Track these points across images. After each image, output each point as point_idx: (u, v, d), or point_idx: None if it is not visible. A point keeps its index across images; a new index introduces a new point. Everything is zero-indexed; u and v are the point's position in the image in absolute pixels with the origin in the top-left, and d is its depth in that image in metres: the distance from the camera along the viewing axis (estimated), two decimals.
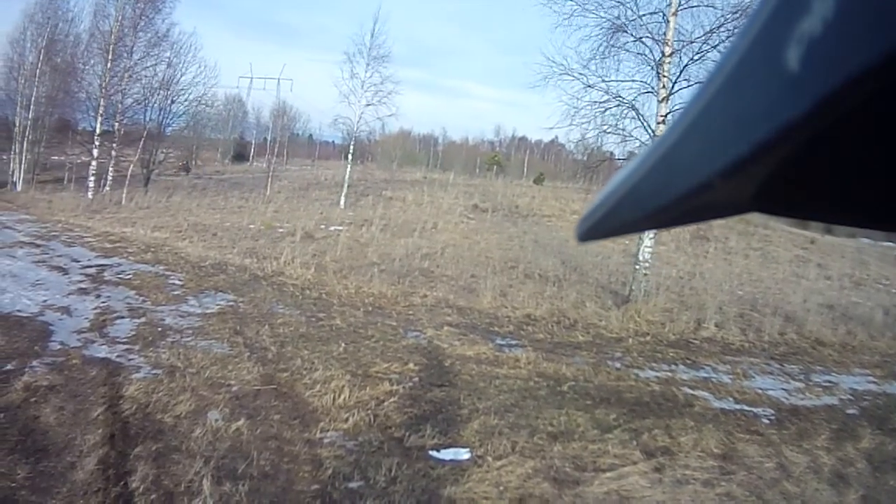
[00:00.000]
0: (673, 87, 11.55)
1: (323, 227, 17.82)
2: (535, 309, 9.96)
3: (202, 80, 31.41)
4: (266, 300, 8.90)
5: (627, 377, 7.08)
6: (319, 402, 5.34)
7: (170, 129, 29.43)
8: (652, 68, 11.89)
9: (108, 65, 23.24)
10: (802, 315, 11.22)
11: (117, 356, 6.01)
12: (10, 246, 11.18)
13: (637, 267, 11.43)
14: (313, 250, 13.54)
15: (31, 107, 25.42)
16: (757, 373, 7.85)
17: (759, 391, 7.03)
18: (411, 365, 6.60)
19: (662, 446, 5.14)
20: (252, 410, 5.06)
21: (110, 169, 24.21)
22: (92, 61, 24.34)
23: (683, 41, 11.60)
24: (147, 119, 25.41)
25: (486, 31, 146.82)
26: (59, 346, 6.08)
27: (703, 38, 11.37)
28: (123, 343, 6.44)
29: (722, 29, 11.03)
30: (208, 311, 8.03)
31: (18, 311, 7.08)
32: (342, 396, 5.45)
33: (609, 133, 12.52)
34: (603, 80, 12.22)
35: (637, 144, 12.22)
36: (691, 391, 6.78)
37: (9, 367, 5.31)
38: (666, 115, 11.40)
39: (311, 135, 68.72)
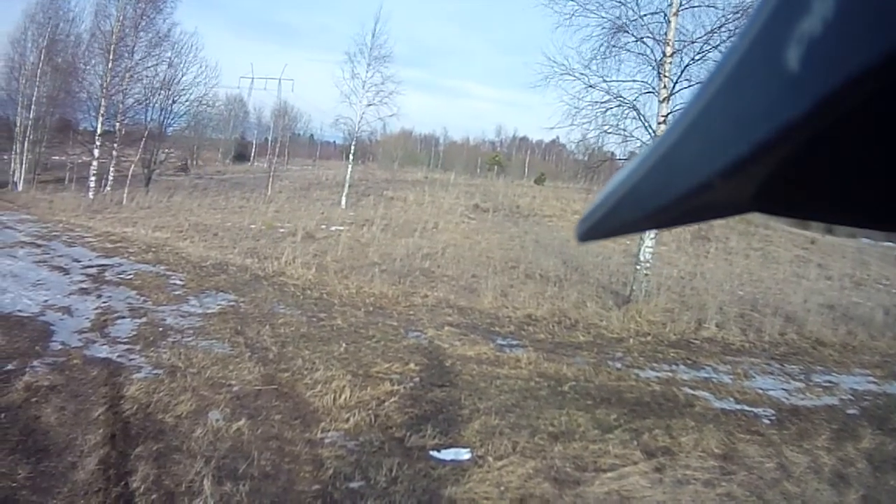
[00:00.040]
0: (674, 87, 11.55)
1: (324, 227, 17.82)
2: (536, 309, 9.96)
3: (203, 80, 31.46)
4: (267, 300, 8.90)
5: (628, 377, 7.08)
6: (320, 402, 5.34)
7: (171, 129, 29.53)
8: (653, 68, 11.90)
9: (110, 65, 23.25)
10: (803, 315, 11.21)
11: (118, 356, 6.01)
12: (11, 246, 11.18)
13: (638, 267, 11.43)
14: (314, 250, 13.54)
15: (32, 107, 25.43)
16: (757, 373, 7.85)
17: (760, 391, 7.03)
18: (412, 365, 6.60)
19: (663, 446, 5.14)
20: (253, 410, 5.06)
21: (111, 169, 24.21)
22: (93, 61, 24.38)
23: (684, 41, 11.61)
24: (148, 119, 25.46)
25: (486, 31, 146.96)
26: (59, 346, 6.08)
27: (704, 38, 11.38)
28: (124, 343, 6.44)
29: (723, 29, 11.04)
30: (209, 311, 8.03)
31: (19, 311, 7.08)
32: (343, 396, 5.45)
33: (610, 133, 12.54)
34: (604, 80, 12.24)
35: (638, 144, 12.22)
36: (692, 391, 6.78)
37: (10, 366, 5.31)
38: (667, 116, 11.39)
39: (312, 135, 68.81)
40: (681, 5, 11.36)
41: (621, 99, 12.08)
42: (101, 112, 23.28)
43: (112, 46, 23.16)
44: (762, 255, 20.51)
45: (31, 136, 25.71)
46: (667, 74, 11.51)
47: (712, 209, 0.30)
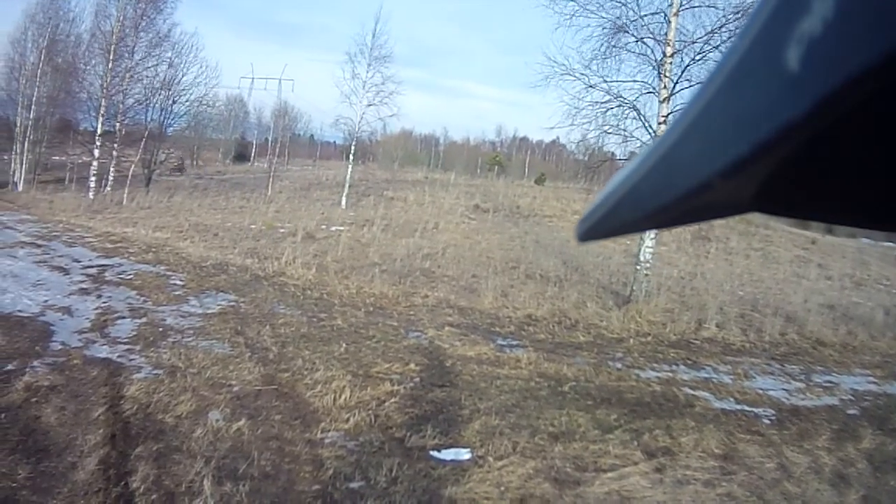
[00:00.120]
0: (674, 87, 11.55)
1: (324, 227, 17.82)
2: (537, 309, 9.96)
3: (203, 80, 31.45)
4: (267, 300, 8.91)
5: (628, 377, 7.08)
6: (320, 403, 5.34)
7: (171, 129, 29.51)
8: (653, 68, 11.90)
9: (110, 65, 23.25)
10: (803, 315, 11.21)
11: (118, 356, 6.01)
12: (11, 246, 11.18)
13: (638, 267, 11.43)
14: (314, 250, 13.54)
15: (33, 107, 25.44)
16: (758, 373, 7.85)
17: (760, 391, 7.03)
18: (412, 365, 6.60)
19: (663, 446, 5.14)
20: (253, 410, 5.07)
21: (111, 169, 24.21)
22: (93, 61, 24.38)
23: (685, 41, 11.61)
24: (148, 119, 25.45)
25: (486, 31, 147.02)
26: (60, 347, 6.08)
27: (704, 38, 11.38)
28: (124, 343, 6.44)
29: (723, 29, 11.04)
30: (209, 311, 8.03)
31: (19, 311, 7.08)
32: (343, 397, 5.45)
33: (610, 133, 12.54)
34: (604, 81, 12.24)
35: (638, 145, 12.21)
36: (692, 391, 6.78)
37: (10, 367, 5.31)
38: (667, 116, 11.39)
39: (312, 135, 68.83)
40: (681, 5, 11.36)
41: (621, 99, 12.10)
42: (102, 112, 23.29)
43: (112, 46, 23.16)
44: (762, 255, 20.51)
45: (31, 137, 25.72)
46: (667, 75, 11.51)
47: (712, 209, 0.30)
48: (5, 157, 26.39)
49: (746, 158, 0.24)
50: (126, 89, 23.89)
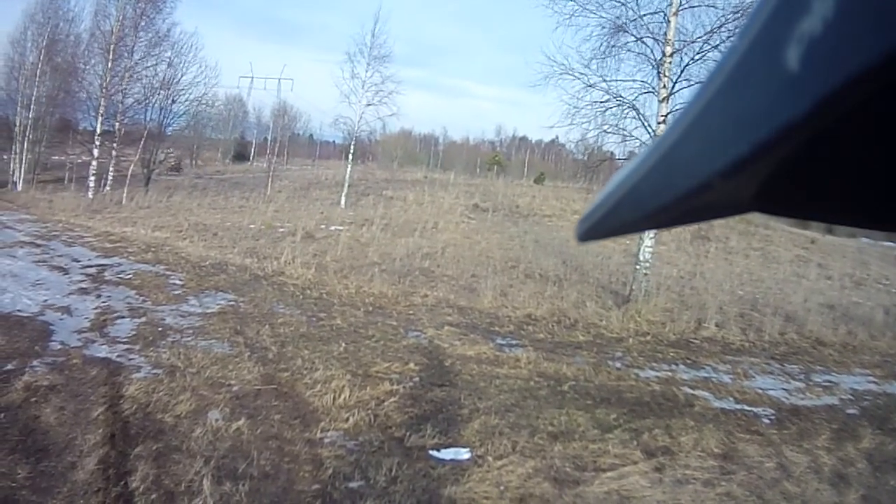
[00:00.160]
0: (674, 86, 11.55)
1: (323, 226, 17.82)
2: (536, 309, 9.96)
3: (203, 79, 31.21)
4: (266, 300, 8.90)
5: (628, 377, 7.08)
6: (320, 402, 5.34)
7: (170, 128, 29.46)
8: (653, 68, 11.90)
9: (109, 64, 23.23)
10: (803, 315, 11.21)
11: (118, 356, 6.01)
12: (11, 246, 11.18)
13: (637, 267, 11.43)
14: (314, 250, 13.54)
15: (32, 106, 25.42)
16: (757, 373, 7.85)
17: (760, 391, 7.03)
18: (412, 365, 6.60)
19: (663, 446, 5.14)
20: (252, 410, 5.07)
21: (111, 169, 24.19)
22: (93, 61, 24.35)
23: (684, 41, 11.61)
24: (148, 119, 25.39)
25: (487, 31, 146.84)
26: (59, 346, 6.08)
27: (704, 37, 11.38)
28: (124, 343, 6.44)
29: (723, 29, 11.04)
30: (209, 310, 8.03)
31: (19, 310, 7.08)
32: (343, 396, 5.45)
33: (609, 133, 12.54)
34: (604, 80, 12.24)
35: (637, 144, 12.22)
36: (692, 391, 6.78)
37: (9, 366, 5.31)
38: (667, 115, 11.39)
39: (311, 135, 68.76)
40: (680, 5, 11.36)
41: (621, 98, 12.09)
42: (101, 112, 23.27)
43: (112, 46, 23.15)
44: (762, 254, 20.51)
45: (30, 136, 25.70)
46: (666, 74, 11.50)
47: (712, 209, 0.30)
48: (5, 157, 26.38)
49: (746, 158, 0.24)
50: (125, 89, 23.88)
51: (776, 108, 0.23)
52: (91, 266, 10.12)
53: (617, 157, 13.70)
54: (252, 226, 17.16)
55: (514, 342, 8.10)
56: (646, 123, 11.88)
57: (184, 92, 26.58)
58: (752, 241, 22.27)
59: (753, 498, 4.42)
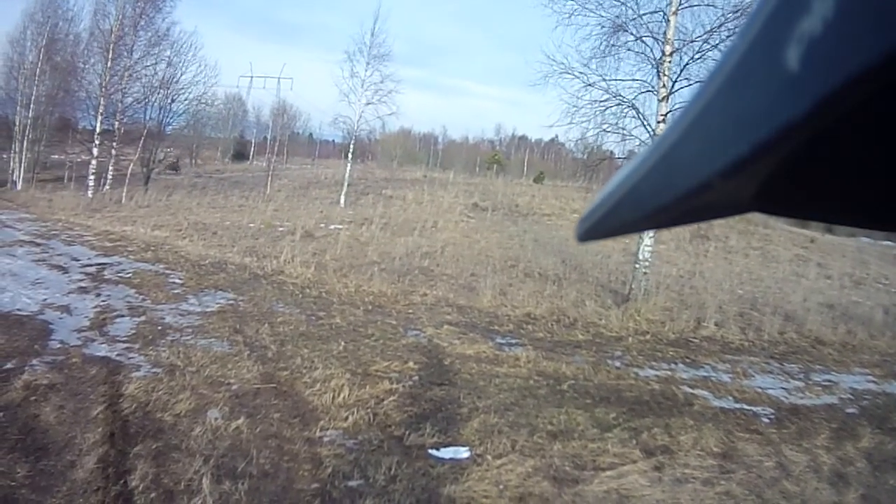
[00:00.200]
0: (673, 86, 11.54)
1: (323, 225, 17.82)
2: (535, 308, 9.97)
3: (202, 78, 31.31)
4: (266, 299, 8.90)
5: (627, 376, 7.08)
6: (319, 401, 5.34)
7: (170, 127, 29.44)
8: (652, 67, 11.89)
9: (109, 64, 23.23)
10: (802, 314, 11.22)
11: (117, 355, 6.01)
12: (11, 244, 11.18)
13: (637, 266, 11.43)
14: (313, 249, 13.55)
15: (32, 105, 25.43)
16: (757, 372, 7.85)
17: (759, 390, 7.03)
18: (411, 363, 6.60)
19: (662, 445, 5.14)
20: (252, 409, 5.07)
21: (110, 168, 24.20)
22: (92, 60, 24.39)
23: (684, 40, 11.60)
24: (147, 118, 25.41)
25: (486, 30, 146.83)
26: (59, 345, 6.08)
27: (703, 37, 11.38)
28: (123, 341, 6.44)
29: (722, 28, 11.04)
30: (208, 309, 8.03)
31: (18, 309, 7.08)
32: (342, 395, 5.45)
33: (609, 132, 12.53)
34: (603, 79, 12.23)
35: (637, 143, 12.23)
36: (691, 390, 6.78)
37: (9, 365, 5.31)
38: (666, 114, 11.39)
39: (311, 133, 68.75)
40: (680, 4, 11.36)
41: (620, 98, 12.09)
42: (100, 111, 23.29)
43: (111, 45, 23.16)
44: (761, 253, 20.51)
45: (30, 135, 25.71)
46: (666, 73, 11.50)
47: (712, 209, 0.30)
48: (4, 156, 26.40)
49: (746, 158, 0.24)
50: (125, 88, 23.89)
51: (776, 108, 0.23)
52: (91, 265, 10.12)
53: (616, 156, 13.68)
54: (251, 225, 17.16)
55: (513, 341, 8.10)
56: (645, 122, 11.89)
57: (183, 91, 26.65)
58: (752, 240, 22.27)
59: (753, 497, 4.43)
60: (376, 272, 11.48)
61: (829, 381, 7.82)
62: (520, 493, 4.15)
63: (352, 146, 25.08)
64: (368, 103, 23.87)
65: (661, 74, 11.58)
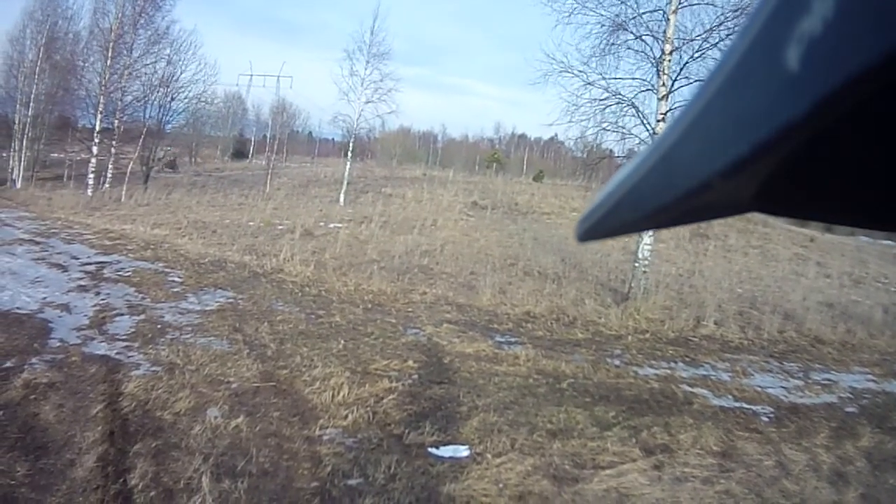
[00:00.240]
0: (673, 84, 11.55)
1: (322, 224, 17.81)
2: (535, 306, 9.97)
3: (202, 77, 31.16)
4: (265, 297, 8.90)
5: (627, 375, 7.09)
6: (319, 400, 5.34)
7: (169, 126, 29.42)
8: (652, 65, 11.89)
9: (108, 62, 23.21)
10: (802, 313, 11.22)
11: (117, 353, 6.01)
12: (10, 243, 11.18)
13: (636, 264, 11.43)
14: (313, 247, 13.55)
15: (31, 104, 25.42)
16: (756, 371, 7.85)
17: (759, 389, 7.04)
18: (410, 362, 6.60)
19: (661, 444, 5.15)
20: (251, 407, 5.07)
21: (110, 166, 24.18)
22: (92, 59, 24.36)
23: (684, 39, 11.60)
24: (147, 116, 25.37)
25: (486, 29, 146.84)
26: (58, 344, 6.08)
27: (703, 35, 11.37)
28: (123, 340, 6.44)
29: (722, 27, 11.03)
30: (208, 308, 8.03)
31: (18, 308, 7.08)
32: (341, 393, 5.45)
33: (608, 130, 12.53)
34: (603, 78, 12.22)
35: (636, 142, 12.22)
36: (690, 389, 6.78)
37: (8, 364, 5.31)
38: (666, 113, 11.39)
39: (310, 132, 68.75)
40: (680, 3, 11.35)
41: (620, 96, 12.09)
42: (100, 109, 23.26)
43: (111, 44, 23.14)
44: (761, 252, 20.51)
45: (29, 134, 25.69)
46: (665, 72, 11.50)
47: (712, 209, 0.30)
48: (4, 155, 26.37)
49: (746, 158, 0.24)
50: (124, 86, 23.86)
51: (776, 108, 0.23)
52: (90, 263, 10.12)
53: (616, 155, 13.67)
54: (251, 223, 17.15)
55: (512, 340, 8.10)
56: (645, 121, 11.89)
57: (183, 89, 26.61)
58: (751, 239, 22.27)
59: (752, 496, 4.43)
60: (376, 270, 11.48)
61: (829, 379, 7.83)
62: (519, 491, 4.15)
63: (351, 144, 25.08)
64: (368, 102, 23.91)
65: (660, 73, 11.58)
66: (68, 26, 26.48)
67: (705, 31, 11.34)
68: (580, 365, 7.17)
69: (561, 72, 12.37)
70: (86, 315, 7.18)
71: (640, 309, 10.19)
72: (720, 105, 0.26)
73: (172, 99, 26.49)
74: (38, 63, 25.39)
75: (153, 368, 5.67)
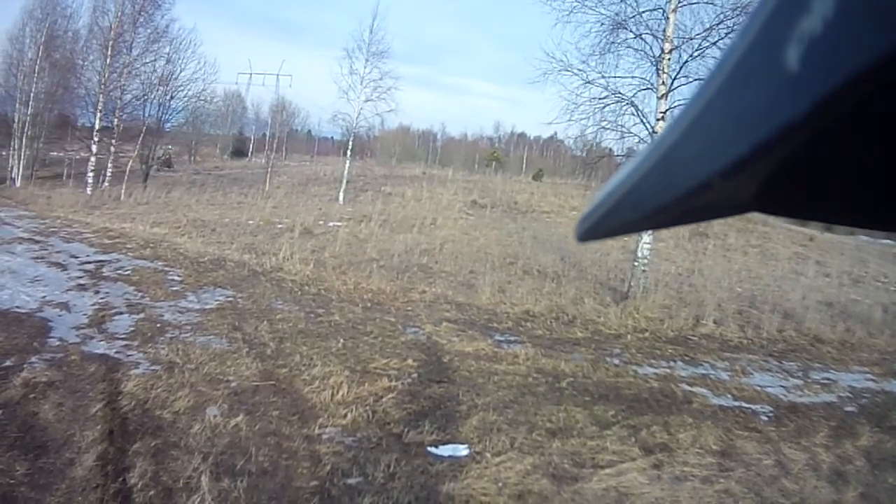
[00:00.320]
0: (672, 83, 11.54)
1: (322, 222, 17.81)
2: (534, 305, 9.97)
3: (201, 76, 31.05)
4: (265, 296, 8.90)
5: (626, 374, 7.09)
6: (318, 398, 5.34)
7: (169, 124, 29.41)
8: (652, 64, 11.88)
9: (108, 61, 23.19)
10: (801, 312, 11.23)
11: (116, 352, 6.01)
12: (9, 242, 11.17)
13: (636, 263, 11.43)
14: (312, 246, 13.54)
15: (31, 103, 25.39)
16: (755, 370, 7.86)
17: (758, 388, 7.04)
18: (410, 361, 6.60)
19: (661, 443, 5.15)
20: (251, 406, 5.07)
21: (109, 165, 24.17)
22: (91, 57, 24.35)
23: (683, 38, 11.59)
24: (146, 115, 25.34)
25: (486, 29, 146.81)
26: (57, 343, 6.08)
27: (702, 34, 11.36)
28: (122, 339, 6.44)
29: (721, 25, 11.02)
30: (207, 306, 8.03)
31: (17, 307, 7.08)
32: (341, 392, 5.45)
33: (608, 129, 12.52)
34: (602, 76, 12.21)
35: (636, 141, 12.21)
36: (690, 388, 6.79)
37: (8, 363, 5.31)
38: (665, 112, 11.38)
39: (310, 130, 68.80)
40: (679, 2, 11.35)
41: (619, 95, 12.08)
42: (100, 108, 23.24)
43: (110, 42, 23.12)
44: (760, 251, 20.51)
45: (29, 133, 25.66)
46: (665, 71, 11.49)
47: (712, 209, 0.30)
48: (3, 154, 26.32)
49: (746, 158, 0.24)
50: (124, 85, 23.84)
51: (776, 108, 0.23)
52: (89, 262, 10.11)
53: (615, 154, 13.66)
54: (250, 222, 17.15)
55: (512, 338, 8.10)
56: (644, 120, 11.88)
57: (182, 88, 26.60)
58: (751, 238, 22.27)
59: (751, 495, 4.43)
60: (375, 269, 11.47)
61: (828, 379, 7.83)
62: (519, 490, 4.15)
63: (351, 143, 25.08)
64: (367, 100, 23.92)
65: (660, 72, 11.58)
66: (68, 25, 26.49)
67: (705, 30, 11.34)
68: (579, 364, 7.18)
69: (560, 70, 12.37)
70: (85, 314, 7.18)
71: (640, 308, 10.19)
72: (720, 105, 0.26)
73: (172, 97, 26.50)
74: (38, 61, 25.36)
75: (152, 367, 5.67)
